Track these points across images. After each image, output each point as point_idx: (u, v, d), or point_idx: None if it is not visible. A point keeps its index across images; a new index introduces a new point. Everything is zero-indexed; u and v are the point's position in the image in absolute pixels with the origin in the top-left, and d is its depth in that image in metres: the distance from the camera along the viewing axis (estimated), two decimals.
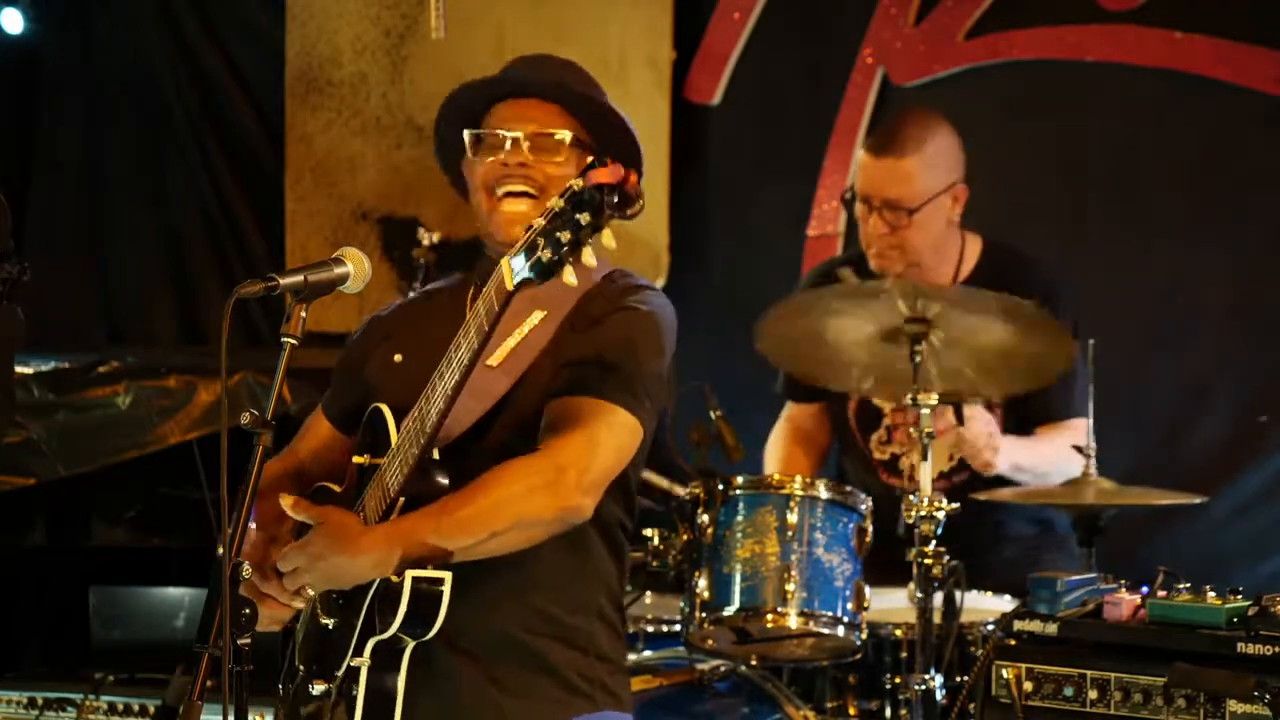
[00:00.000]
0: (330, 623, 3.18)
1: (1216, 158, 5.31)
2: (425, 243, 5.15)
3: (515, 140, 3.21)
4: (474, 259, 3.39)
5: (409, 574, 2.98)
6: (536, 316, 3.15)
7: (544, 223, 2.71)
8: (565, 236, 2.68)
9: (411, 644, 3.06)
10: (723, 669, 4.23)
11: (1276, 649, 3.19)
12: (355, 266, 3.02)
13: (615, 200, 2.66)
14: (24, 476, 5.27)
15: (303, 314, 2.93)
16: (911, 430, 4.02)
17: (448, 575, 3.01)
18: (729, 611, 4.04)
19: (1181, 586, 3.40)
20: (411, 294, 3.48)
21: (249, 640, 2.79)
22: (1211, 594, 3.33)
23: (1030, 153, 5.20)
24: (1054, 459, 4.41)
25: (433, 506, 3.00)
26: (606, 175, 2.66)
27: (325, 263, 3.01)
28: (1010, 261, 4.64)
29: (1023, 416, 4.52)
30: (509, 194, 3.22)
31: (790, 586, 3.99)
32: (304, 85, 6.26)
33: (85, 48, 6.58)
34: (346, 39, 6.22)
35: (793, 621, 4.00)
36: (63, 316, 6.31)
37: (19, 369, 5.06)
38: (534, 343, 3.16)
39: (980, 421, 4.33)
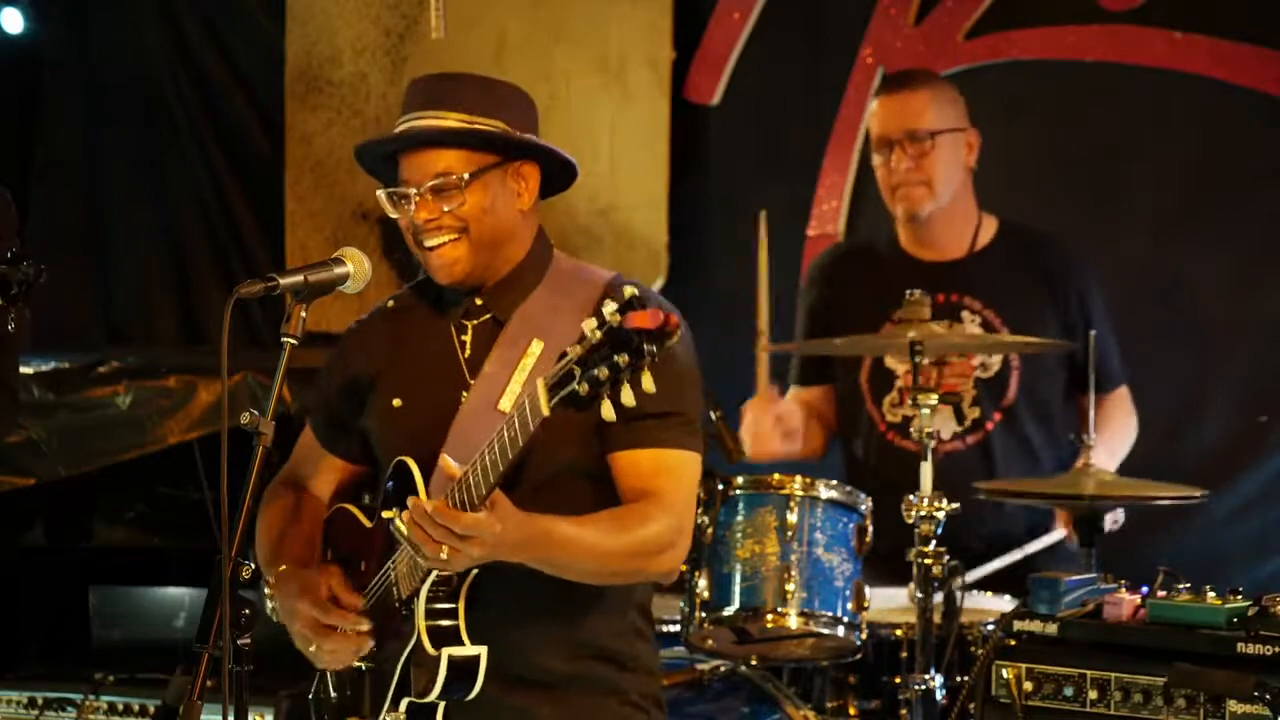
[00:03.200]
0: (363, 665, 3.20)
1: (1216, 158, 5.31)
2: None
3: (417, 194, 3.15)
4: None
5: (444, 652, 3.02)
6: (536, 347, 3.12)
7: (580, 352, 2.67)
8: (602, 374, 2.64)
9: (444, 704, 3.10)
10: (723, 669, 4.23)
11: (1276, 649, 3.19)
12: (355, 266, 3.02)
13: (654, 346, 2.62)
14: (24, 476, 5.27)
15: (303, 314, 2.93)
16: (906, 441, 4.04)
17: (483, 650, 3.04)
18: (729, 611, 4.04)
19: (1181, 586, 3.40)
20: (389, 304, 3.41)
21: (249, 640, 2.80)
22: (1211, 594, 3.33)
23: (1030, 152, 5.20)
24: (1123, 443, 4.74)
25: (576, 525, 3.00)
26: (646, 320, 2.61)
27: (325, 263, 3.01)
28: (1025, 239, 4.80)
29: (1078, 386, 4.63)
30: (433, 246, 3.19)
31: (790, 586, 3.99)
32: (304, 85, 6.26)
33: (85, 48, 6.57)
34: (346, 39, 6.22)
35: (793, 621, 4.01)
36: (63, 316, 6.30)
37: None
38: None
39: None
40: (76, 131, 6.59)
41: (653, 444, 3.11)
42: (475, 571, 3.02)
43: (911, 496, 3.92)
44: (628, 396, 2.66)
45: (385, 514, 3.11)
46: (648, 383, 2.65)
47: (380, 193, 3.21)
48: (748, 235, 5.84)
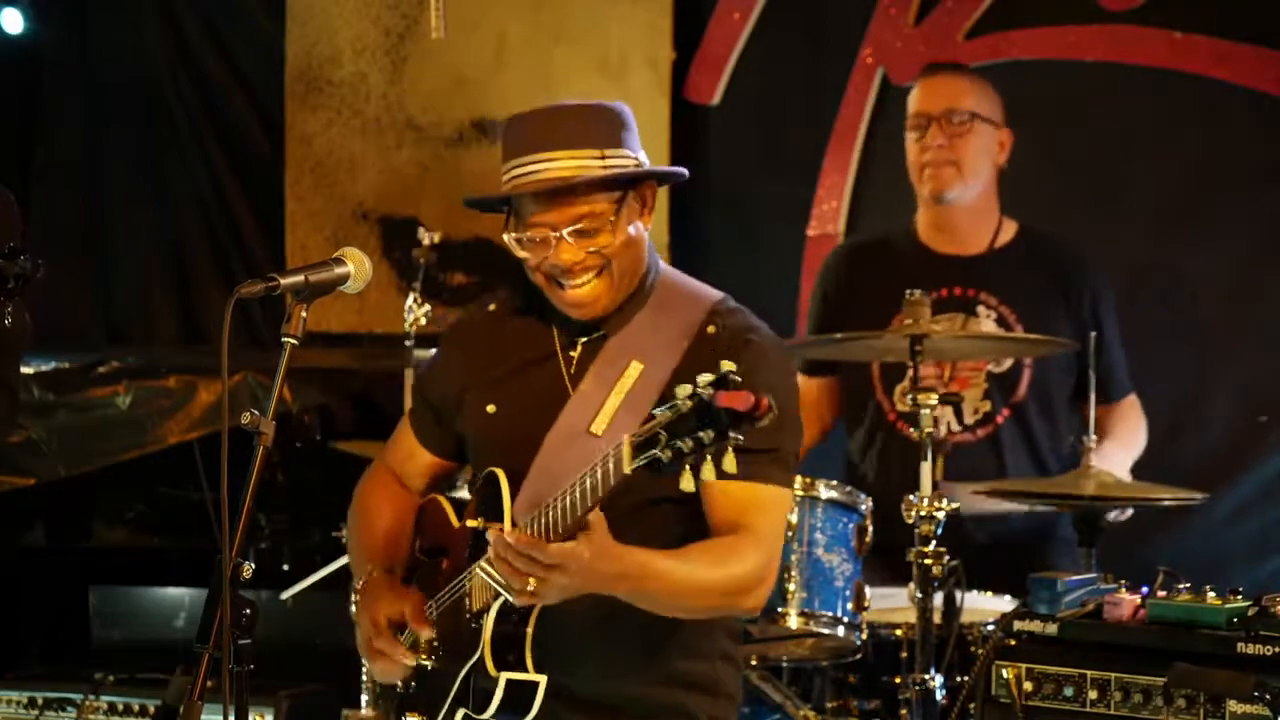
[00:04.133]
0: (428, 663, 3.20)
1: (1216, 158, 5.31)
2: (425, 243, 5.14)
3: (558, 238, 3.09)
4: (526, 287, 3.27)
5: (503, 676, 3.00)
6: (635, 369, 3.08)
7: (669, 416, 2.61)
8: (686, 446, 2.59)
9: None
10: None
11: (1276, 649, 3.19)
12: (356, 266, 3.02)
13: (741, 429, 2.57)
14: (24, 476, 5.27)
15: (303, 314, 2.92)
16: (912, 431, 4.03)
17: (543, 679, 3.01)
18: None
19: (1181, 586, 3.40)
20: (490, 308, 3.38)
21: (249, 640, 2.79)
22: (1211, 594, 3.33)
23: (1030, 153, 5.19)
24: (1134, 449, 4.70)
25: (672, 559, 2.95)
26: (737, 402, 2.55)
27: (326, 263, 3.00)
28: (1044, 242, 4.83)
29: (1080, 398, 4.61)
30: (577, 285, 3.13)
31: (790, 586, 3.99)
32: (304, 85, 6.26)
33: (85, 48, 6.58)
34: (346, 39, 6.22)
35: (793, 621, 4.00)
36: (63, 316, 6.30)
37: None
38: (638, 403, 3.05)
39: None
40: (76, 131, 6.59)
41: (748, 477, 3.01)
42: None
43: (911, 496, 3.92)
44: (708, 472, 2.60)
45: (470, 523, 3.11)
46: (729, 464, 2.58)
47: (510, 238, 3.14)
48: (748, 235, 5.87)
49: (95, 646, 5.20)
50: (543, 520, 2.89)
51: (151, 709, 4.63)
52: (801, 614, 4.00)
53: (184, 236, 6.57)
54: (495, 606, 3.03)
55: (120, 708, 4.67)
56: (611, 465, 2.74)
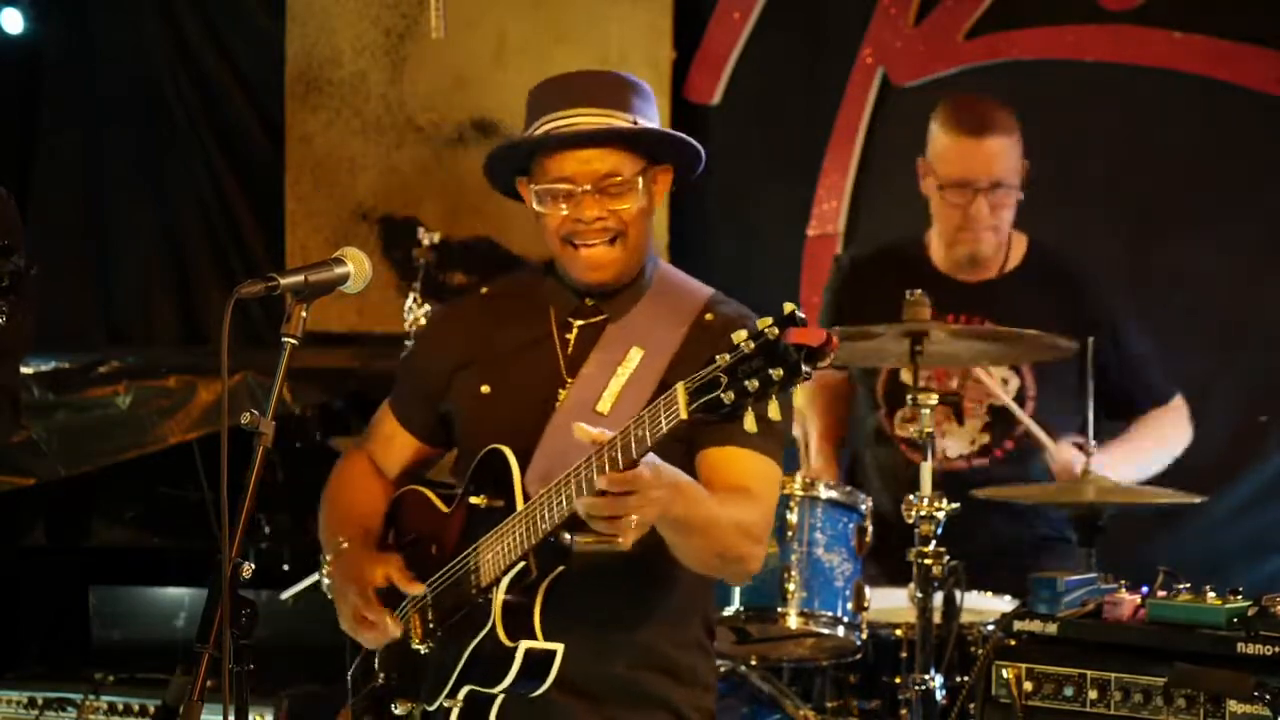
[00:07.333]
0: (423, 649, 3.19)
1: (1216, 158, 5.32)
2: (425, 243, 5.14)
3: (583, 192, 3.12)
4: (517, 268, 3.32)
5: (522, 644, 3.00)
6: (636, 355, 3.11)
7: (729, 360, 2.61)
8: (752, 386, 2.59)
9: (501, 698, 3.07)
10: (723, 669, 4.23)
11: (1276, 649, 3.19)
12: (355, 266, 3.02)
13: (812, 365, 2.56)
14: (24, 476, 5.27)
15: (303, 314, 2.92)
16: (912, 430, 4.02)
17: (560, 647, 3.01)
18: (729, 611, 4.04)
19: (1181, 586, 3.40)
20: (482, 291, 3.37)
21: (249, 640, 2.79)
22: (1211, 594, 3.33)
23: (1030, 153, 5.19)
24: (1155, 452, 4.60)
25: (700, 487, 2.96)
26: (810, 338, 2.55)
27: (326, 263, 3.00)
28: (1053, 262, 4.74)
29: (1119, 404, 4.62)
30: (591, 245, 3.15)
31: (790, 586, 3.99)
32: (304, 85, 6.26)
33: (85, 48, 6.58)
34: (346, 39, 6.22)
35: (793, 621, 4.01)
36: (63, 316, 6.30)
37: None
38: (641, 384, 3.10)
39: (1067, 449, 4.43)
40: (76, 131, 6.59)
41: (748, 445, 3.06)
42: (561, 568, 3.01)
43: (911, 496, 3.92)
44: (774, 411, 2.63)
45: (474, 500, 3.12)
46: (798, 398, 2.61)
47: (532, 189, 3.17)
48: (748, 235, 5.87)
49: (95, 646, 5.21)
50: (584, 474, 2.86)
51: (151, 709, 4.63)
52: (801, 614, 4.00)
53: (184, 236, 6.57)
54: (505, 580, 3.02)
55: (120, 708, 4.67)
56: (664, 413, 2.72)
